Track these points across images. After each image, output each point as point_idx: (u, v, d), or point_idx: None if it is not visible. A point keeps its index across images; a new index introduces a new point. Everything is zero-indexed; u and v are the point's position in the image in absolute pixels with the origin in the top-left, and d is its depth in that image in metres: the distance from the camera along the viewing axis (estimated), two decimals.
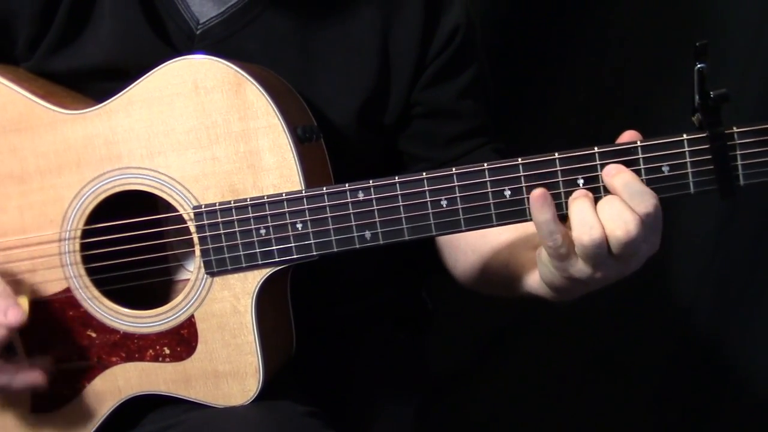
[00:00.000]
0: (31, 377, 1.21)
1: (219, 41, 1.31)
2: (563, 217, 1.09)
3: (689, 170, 1.08)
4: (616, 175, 1.06)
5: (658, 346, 2.05)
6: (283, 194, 1.16)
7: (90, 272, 1.24)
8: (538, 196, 1.07)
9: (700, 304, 2.03)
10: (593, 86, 1.98)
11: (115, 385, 1.25)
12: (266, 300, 1.21)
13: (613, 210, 1.05)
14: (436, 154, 1.40)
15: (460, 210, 1.12)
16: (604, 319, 2.01)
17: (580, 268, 1.08)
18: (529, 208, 1.09)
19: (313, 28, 1.32)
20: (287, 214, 1.16)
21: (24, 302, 1.21)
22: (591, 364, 2.08)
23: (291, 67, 1.31)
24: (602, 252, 1.05)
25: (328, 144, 1.27)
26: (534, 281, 1.19)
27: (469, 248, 1.36)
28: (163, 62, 1.20)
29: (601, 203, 1.06)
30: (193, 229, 1.19)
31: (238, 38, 1.31)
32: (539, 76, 1.97)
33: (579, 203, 1.07)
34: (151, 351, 1.23)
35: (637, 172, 1.08)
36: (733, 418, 2.03)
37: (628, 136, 1.10)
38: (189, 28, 1.31)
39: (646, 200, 1.05)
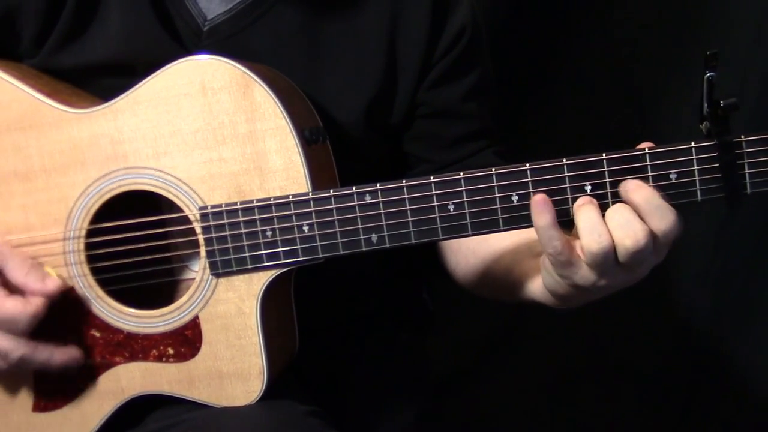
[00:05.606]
0: (69, 353, 1.22)
1: (226, 38, 1.30)
2: (570, 223, 1.09)
3: (696, 178, 1.08)
4: (635, 190, 1.06)
5: (657, 346, 2.06)
6: (290, 196, 1.16)
7: (94, 272, 1.23)
8: (538, 201, 1.07)
9: (700, 304, 2.04)
10: (593, 88, 1.97)
11: (118, 385, 1.24)
12: (271, 301, 1.21)
13: (622, 219, 1.05)
14: (440, 156, 1.40)
15: (467, 214, 1.12)
16: (603, 320, 2.01)
17: (583, 275, 1.08)
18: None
19: (321, 26, 1.32)
20: (294, 216, 1.16)
21: (52, 272, 1.22)
22: (591, 364, 2.09)
23: (298, 65, 1.30)
24: (609, 260, 1.05)
25: (333, 142, 1.26)
26: (537, 288, 1.19)
27: (470, 252, 1.36)
28: (171, 61, 1.19)
29: (609, 211, 1.06)
30: (198, 230, 1.19)
31: (244, 35, 1.30)
32: (540, 77, 1.97)
33: (586, 210, 1.07)
34: (154, 351, 1.23)
35: (645, 179, 1.08)
36: (733, 418, 2.04)
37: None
38: (196, 25, 1.30)
39: (665, 216, 1.05)
